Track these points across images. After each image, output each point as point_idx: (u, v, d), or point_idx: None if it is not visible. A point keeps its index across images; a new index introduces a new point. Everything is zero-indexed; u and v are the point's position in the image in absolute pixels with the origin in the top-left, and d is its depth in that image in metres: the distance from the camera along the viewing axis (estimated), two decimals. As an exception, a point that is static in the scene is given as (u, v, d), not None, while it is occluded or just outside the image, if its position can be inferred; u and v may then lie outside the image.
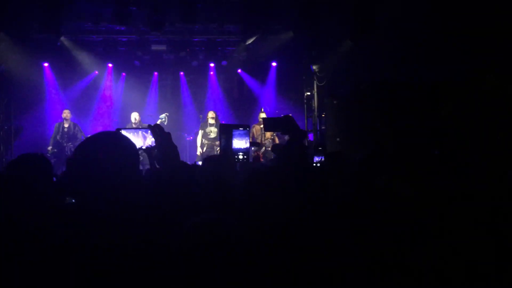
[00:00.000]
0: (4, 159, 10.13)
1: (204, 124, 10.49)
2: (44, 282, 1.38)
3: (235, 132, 3.73)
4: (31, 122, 10.87)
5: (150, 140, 2.96)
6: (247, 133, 3.79)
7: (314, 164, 4.52)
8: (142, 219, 1.61)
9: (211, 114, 10.44)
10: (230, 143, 3.68)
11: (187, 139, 11.26)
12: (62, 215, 1.54)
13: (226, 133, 3.71)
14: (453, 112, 6.35)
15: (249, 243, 1.63)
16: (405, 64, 7.49)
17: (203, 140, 10.33)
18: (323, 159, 4.52)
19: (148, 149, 3.56)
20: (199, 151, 10.27)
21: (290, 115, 2.52)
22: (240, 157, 3.70)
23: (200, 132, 10.38)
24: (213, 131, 10.30)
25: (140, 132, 4.41)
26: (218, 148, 10.06)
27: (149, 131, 2.20)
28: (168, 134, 2.14)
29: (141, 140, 4.19)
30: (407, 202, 2.24)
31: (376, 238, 1.95)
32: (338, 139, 9.66)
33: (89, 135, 8.83)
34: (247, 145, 3.74)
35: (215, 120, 10.39)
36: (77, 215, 1.54)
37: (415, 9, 7.15)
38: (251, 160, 10.11)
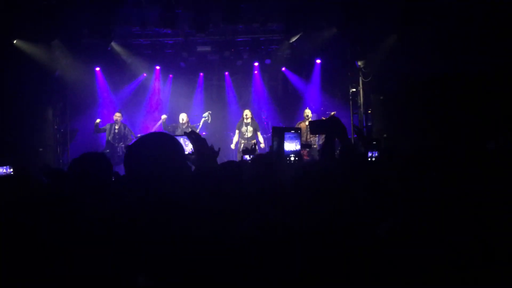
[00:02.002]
0: (61, 161, 10.64)
1: (240, 123, 10.48)
2: (108, 274, 1.48)
3: (287, 135, 3.79)
4: (85, 124, 11.29)
5: (190, 147, 3.05)
6: (298, 136, 3.85)
7: (369, 159, 4.48)
8: (191, 212, 1.70)
9: (247, 113, 10.41)
10: (282, 145, 3.75)
11: (232, 138, 11.40)
12: (122, 209, 1.64)
13: (278, 135, 3.77)
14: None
15: (301, 241, 1.67)
16: (452, 56, 7.26)
17: (240, 140, 10.37)
18: (377, 154, 4.47)
19: (188, 155, 3.67)
20: (239, 149, 10.26)
21: (334, 113, 2.56)
22: (292, 159, 3.77)
23: (237, 132, 10.41)
24: (249, 131, 10.30)
25: (181, 138, 4.52)
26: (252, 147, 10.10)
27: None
28: (204, 140, 2.21)
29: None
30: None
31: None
32: (385, 135, 9.52)
33: (139, 135, 9.10)
34: (298, 147, 3.81)
35: (251, 119, 10.41)
36: (134, 209, 1.64)
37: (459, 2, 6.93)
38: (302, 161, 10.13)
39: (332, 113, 9.98)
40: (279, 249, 1.59)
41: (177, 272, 1.48)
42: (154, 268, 1.49)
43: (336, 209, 1.88)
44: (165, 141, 1.78)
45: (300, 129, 4.11)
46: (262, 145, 10.36)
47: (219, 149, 2.97)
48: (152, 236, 1.51)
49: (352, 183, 2.10)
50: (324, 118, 9.70)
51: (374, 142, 4.77)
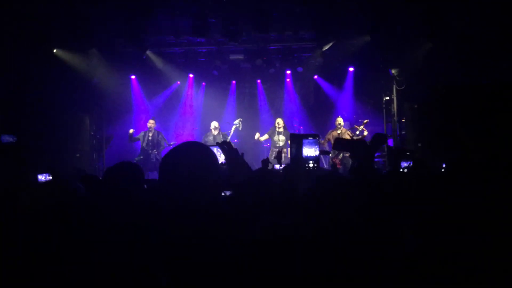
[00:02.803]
0: (96, 166, 10.92)
1: (272, 131, 10.50)
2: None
3: (305, 141, 3.85)
4: (120, 131, 11.57)
5: (222, 157, 3.09)
6: (317, 142, 3.90)
7: (402, 170, 4.43)
8: (223, 217, 1.74)
9: (279, 121, 10.42)
10: (300, 151, 3.80)
11: (264, 145, 11.42)
12: (154, 216, 1.68)
13: (296, 142, 3.82)
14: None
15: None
16: (487, 65, 7.08)
17: (272, 148, 10.38)
18: (411, 164, 4.40)
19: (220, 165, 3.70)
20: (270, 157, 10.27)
21: (367, 121, 2.54)
22: (311, 165, 3.82)
23: (266, 136, 10.42)
24: (281, 139, 10.31)
25: (214, 148, 4.57)
26: (286, 155, 10.13)
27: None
28: (236, 150, 2.23)
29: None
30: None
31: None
32: (419, 145, 9.34)
33: (172, 143, 9.20)
34: (317, 153, 3.85)
35: (284, 128, 10.40)
36: (167, 216, 1.67)
37: (495, 9, 6.76)
38: (328, 167, 10.05)
39: (365, 121, 9.87)
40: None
41: (202, 278, 1.51)
42: (180, 273, 1.52)
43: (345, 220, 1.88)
44: (199, 150, 1.82)
45: (318, 135, 4.15)
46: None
47: (242, 153, 3.00)
48: (180, 242, 1.54)
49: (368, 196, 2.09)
50: (351, 135, 9.61)
51: (408, 153, 4.69)
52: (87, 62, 10.20)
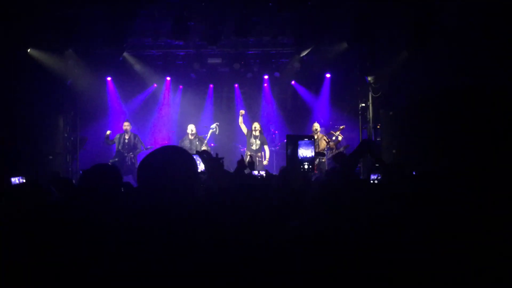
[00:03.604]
0: (70, 169, 10.72)
1: (249, 135, 10.56)
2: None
3: (301, 142, 3.84)
4: (95, 133, 11.41)
5: (202, 166, 3.05)
6: (312, 143, 3.89)
7: (372, 181, 4.49)
8: (205, 220, 1.73)
9: (256, 125, 10.49)
10: (296, 153, 3.80)
11: (241, 149, 11.43)
12: (131, 219, 1.66)
13: (292, 143, 3.82)
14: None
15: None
16: (463, 72, 7.25)
17: (247, 151, 10.43)
18: (379, 176, 4.45)
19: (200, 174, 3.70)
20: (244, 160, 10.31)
21: (343, 127, 2.58)
22: (306, 166, 3.80)
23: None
24: (256, 143, 10.39)
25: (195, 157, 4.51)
26: (260, 159, 10.21)
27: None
28: (216, 159, 2.23)
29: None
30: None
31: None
32: (394, 151, 9.49)
33: (149, 147, 9.11)
34: (313, 154, 3.85)
35: (260, 133, 10.46)
36: (145, 219, 1.66)
37: (472, 16, 6.94)
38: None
39: (342, 127, 10.03)
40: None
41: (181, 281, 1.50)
42: (158, 276, 1.50)
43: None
44: (178, 155, 1.80)
45: (313, 137, 4.14)
46: (266, 162, 10.39)
47: (223, 158, 2.99)
48: (157, 246, 1.53)
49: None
50: (327, 141, 9.75)
51: (377, 165, 4.71)
52: (62, 63, 10.03)
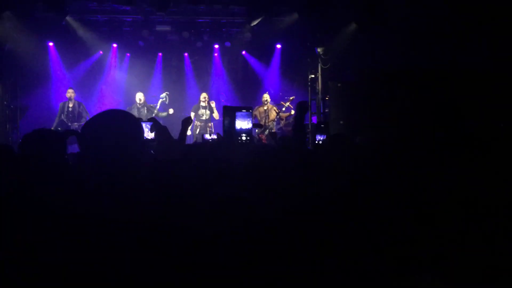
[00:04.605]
0: (10, 138, 10.23)
1: (196, 106, 10.47)
2: (60, 259, 1.45)
3: (238, 114, 3.81)
4: (37, 101, 10.92)
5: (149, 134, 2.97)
6: (250, 114, 3.89)
7: (317, 142, 4.62)
8: (149, 192, 1.70)
9: (204, 96, 10.43)
10: (233, 124, 3.77)
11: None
12: (76, 190, 1.62)
13: (229, 115, 3.79)
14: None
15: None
16: (410, 51, 7.48)
17: (196, 122, 10.34)
18: (325, 137, 4.60)
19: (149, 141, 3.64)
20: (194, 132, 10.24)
21: (293, 97, 2.66)
22: (244, 138, 3.79)
23: (192, 114, 10.33)
24: (205, 113, 10.33)
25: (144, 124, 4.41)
26: (210, 129, 10.20)
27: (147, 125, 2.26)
28: (165, 128, 2.20)
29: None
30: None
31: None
32: (341, 122, 9.72)
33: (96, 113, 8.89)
34: (250, 125, 3.84)
35: (208, 103, 10.39)
36: (89, 189, 1.61)
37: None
38: (254, 142, 10.21)
39: (291, 97, 10.12)
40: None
41: (131, 257, 1.47)
42: (109, 254, 1.47)
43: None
44: (125, 119, 1.72)
45: (251, 108, 4.13)
46: (216, 115, 10.36)
47: (166, 127, 2.91)
48: (106, 219, 1.49)
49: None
50: (277, 111, 9.84)
51: (323, 126, 4.87)
52: (-1, 26, 9.43)
